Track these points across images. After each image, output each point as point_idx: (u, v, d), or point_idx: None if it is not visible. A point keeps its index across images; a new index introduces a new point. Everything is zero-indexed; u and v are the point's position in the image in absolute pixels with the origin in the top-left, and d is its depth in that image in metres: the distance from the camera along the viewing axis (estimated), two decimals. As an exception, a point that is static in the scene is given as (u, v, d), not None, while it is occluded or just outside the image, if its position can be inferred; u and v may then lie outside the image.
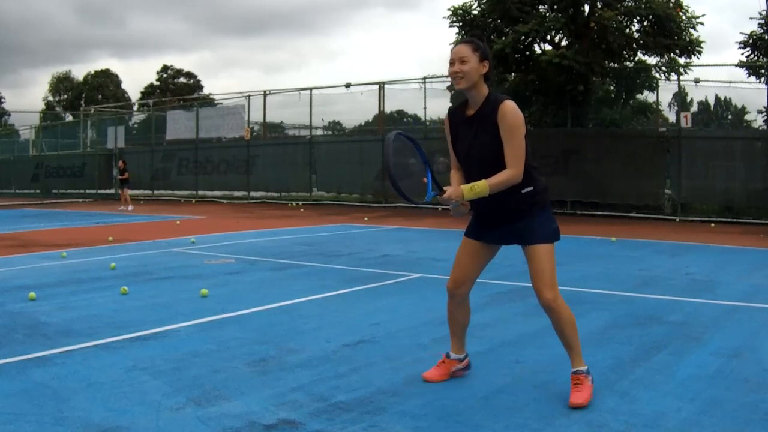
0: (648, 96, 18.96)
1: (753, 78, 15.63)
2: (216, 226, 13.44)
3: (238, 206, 20.91)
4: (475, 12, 16.89)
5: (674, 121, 16.95)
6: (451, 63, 3.16)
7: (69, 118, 44.41)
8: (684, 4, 15.59)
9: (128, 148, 26.86)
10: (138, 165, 25.01)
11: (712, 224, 13.86)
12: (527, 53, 16.30)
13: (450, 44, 17.97)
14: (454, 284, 3.40)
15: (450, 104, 30.01)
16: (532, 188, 3.17)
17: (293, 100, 22.43)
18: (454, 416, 3.04)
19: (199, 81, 54.78)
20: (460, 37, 17.23)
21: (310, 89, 21.68)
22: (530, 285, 3.20)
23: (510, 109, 3.07)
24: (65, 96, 57.10)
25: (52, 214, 18.35)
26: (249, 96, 23.33)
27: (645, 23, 15.45)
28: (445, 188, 3.08)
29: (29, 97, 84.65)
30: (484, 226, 3.31)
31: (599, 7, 15.68)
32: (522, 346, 4.21)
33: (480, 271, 3.40)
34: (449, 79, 3.19)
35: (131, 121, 32.01)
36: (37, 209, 20.69)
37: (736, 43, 15.30)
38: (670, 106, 21.47)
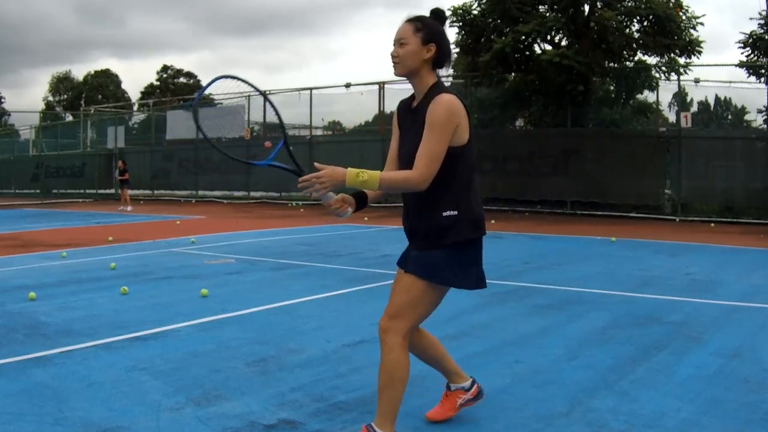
0: (648, 96, 18.97)
1: (753, 78, 15.64)
2: (216, 226, 13.44)
3: (238, 206, 20.91)
4: (475, 12, 16.89)
5: (674, 121, 16.95)
6: (394, 44, 2.62)
7: (69, 118, 44.41)
8: (684, 4, 15.60)
9: (128, 148, 26.85)
10: (138, 165, 25.00)
11: (712, 224, 13.86)
12: (527, 53, 16.31)
13: (451, 44, 17.95)
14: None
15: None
16: (455, 213, 2.54)
17: (293, 100, 22.43)
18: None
19: (199, 81, 54.73)
20: (461, 37, 17.24)
21: (310, 89, 21.70)
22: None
23: (441, 102, 2.48)
24: (65, 96, 57.10)
25: (52, 214, 18.35)
26: (249, 96, 23.34)
27: (645, 23, 15.45)
28: (318, 165, 2.45)
29: (29, 97, 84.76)
30: (407, 249, 2.73)
31: (599, 7, 15.69)
32: (522, 346, 4.21)
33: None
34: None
35: (131, 121, 32.00)
36: (37, 209, 20.69)
37: (736, 43, 15.32)
38: (670, 106, 21.49)
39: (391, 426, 2.58)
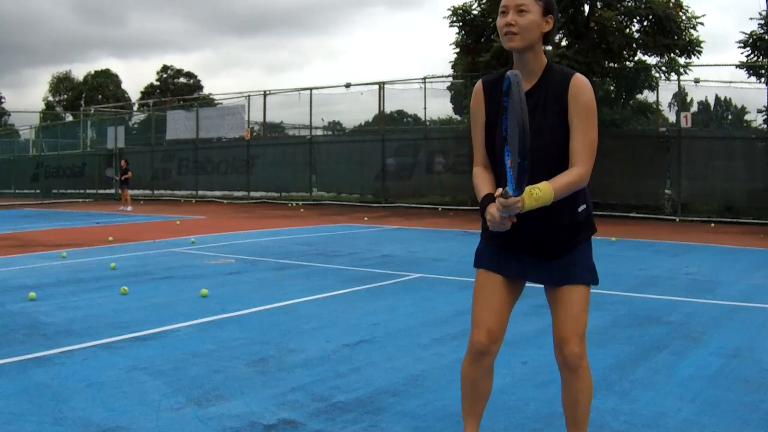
0: (648, 96, 18.98)
1: (753, 78, 15.64)
2: (216, 226, 13.44)
3: (238, 206, 20.91)
4: (475, 12, 16.90)
5: (674, 121, 16.95)
6: (503, 12, 2.20)
7: (69, 118, 44.44)
8: (684, 4, 15.62)
9: (128, 148, 26.85)
10: (138, 165, 25.00)
11: (712, 224, 13.86)
12: (527, 53, 16.30)
13: (450, 44, 17.95)
14: (490, 337, 2.34)
15: (450, 105, 29.63)
16: (585, 206, 2.37)
17: (293, 100, 22.45)
18: (454, 416, 3.03)
19: (199, 81, 54.77)
20: (461, 37, 17.23)
21: (310, 89, 21.70)
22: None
23: (587, 86, 2.21)
24: (65, 96, 57.07)
25: (52, 214, 18.34)
26: (249, 96, 23.35)
27: (645, 23, 15.47)
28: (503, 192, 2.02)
29: (29, 97, 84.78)
30: (507, 255, 2.35)
31: (599, 7, 15.69)
32: (522, 346, 4.21)
33: (509, 315, 2.45)
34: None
35: (131, 121, 32.03)
36: (37, 209, 20.68)
37: (736, 42, 15.33)
38: (670, 106, 21.49)
39: None
